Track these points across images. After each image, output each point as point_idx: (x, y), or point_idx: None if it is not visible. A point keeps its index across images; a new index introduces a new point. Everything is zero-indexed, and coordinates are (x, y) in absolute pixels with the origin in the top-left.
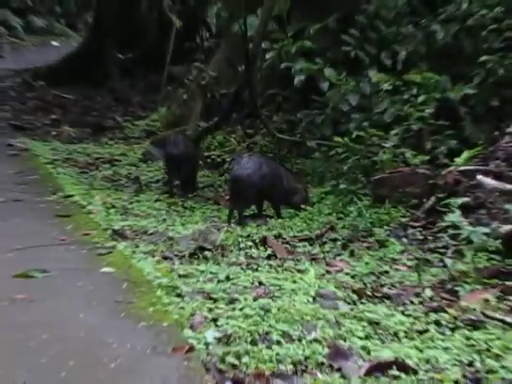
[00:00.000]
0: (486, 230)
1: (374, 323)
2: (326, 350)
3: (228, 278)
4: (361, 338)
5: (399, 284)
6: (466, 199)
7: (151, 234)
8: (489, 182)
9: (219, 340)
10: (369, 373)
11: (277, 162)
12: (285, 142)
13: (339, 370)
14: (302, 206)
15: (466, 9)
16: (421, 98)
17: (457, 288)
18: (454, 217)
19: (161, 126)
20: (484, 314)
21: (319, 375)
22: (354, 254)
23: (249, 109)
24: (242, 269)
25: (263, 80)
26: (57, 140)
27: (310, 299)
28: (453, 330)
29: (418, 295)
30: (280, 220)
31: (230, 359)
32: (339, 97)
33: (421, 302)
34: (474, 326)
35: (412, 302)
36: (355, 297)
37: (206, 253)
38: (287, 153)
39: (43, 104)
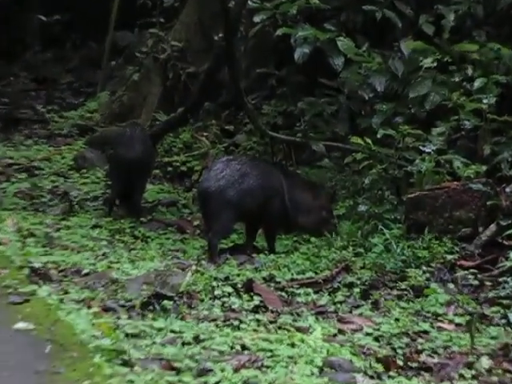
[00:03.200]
0: None
1: None
2: None
3: (197, 340)
4: None
5: (443, 350)
6: None
7: (86, 274)
8: None
9: None
10: None
11: (272, 165)
12: (280, 144)
13: None
14: (323, 231)
15: None
16: (477, 83)
17: None
18: None
19: (101, 118)
20: None
21: None
22: (378, 305)
23: (228, 95)
24: (218, 326)
25: (249, 54)
26: None
27: (316, 371)
28: None
29: (470, 366)
30: (273, 256)
31: None
32: (359, 79)
33: (474, 377)
34: None
35: (462, 376)
36: (380, 368)
37: (166, 302)
38: (283, 159)
39: None
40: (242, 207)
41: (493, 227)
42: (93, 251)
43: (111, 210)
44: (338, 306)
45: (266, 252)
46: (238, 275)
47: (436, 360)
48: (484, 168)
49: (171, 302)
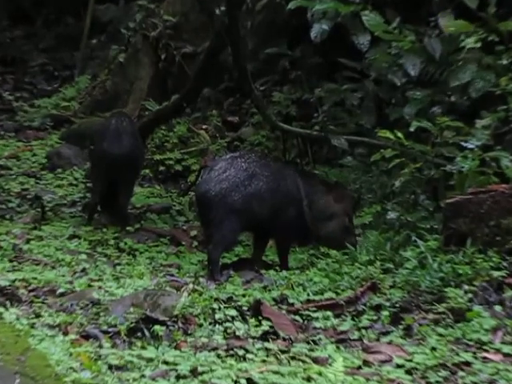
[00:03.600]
0: None
1: None
2: None
3: (195, 373)
4: None
5: None
6: None
7: (62, 294)
8: None
9: None
10: None
11: (286, 164)
12: (294, 139)
13: None
14: (345, 243)
15: None
16: None
17: None
18: None
19: (79, 108)
20: None
21: None
22: (411, 332)
23: (232, 80)
24: (219, 356)
25: (257, 31)
26: None
27: None
28: None
29: None
30: (285, 273)
31: None
32: (388, 61)
33: None
34: None
35: None
36: None
37: (157, 328)
38: (297, 155)
39: None
40: (248, 214)
41: None
42: (70, 267)
43: (92, 217)
44: (363, 332)
45: (277, 268)
46: (244, 296)
47: None
48: None
49: (163, 328)
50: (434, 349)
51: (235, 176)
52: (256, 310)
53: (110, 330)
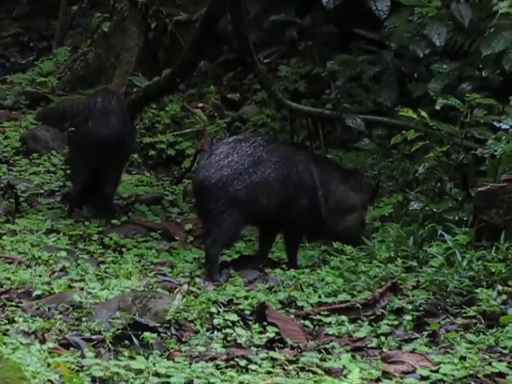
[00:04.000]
0: None
1: None
2: None
3: None
4: None
5: None
6: None
7: (39, 297)
8: None
9: None
10: None
11: (298, 148)
12: (303, 118)
13: None
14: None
15: None
16: None
17: None
18: None
19: (58, 84)
20: None
21: None
22: (437, 339)
23: (232, 52)
24: (218, 367)
25: None
26: None
27: None
28: None
29: None
30: (293, 271)
31: None
32: (410, 29)
33: None
34: None
35: None
36: None
37: (147, 335)
38: (307, 138)
39: None
40: (253, 206)
41: None
42: (47, 265)
43: (72, 209)
44: (383, 339)
45: (285, 266)
46: (246, 298)
47: None
48: None
49: (154, 335)
50: (463, 358)
51: (238, 162)
52: (260, 314)
53: (93, 337)
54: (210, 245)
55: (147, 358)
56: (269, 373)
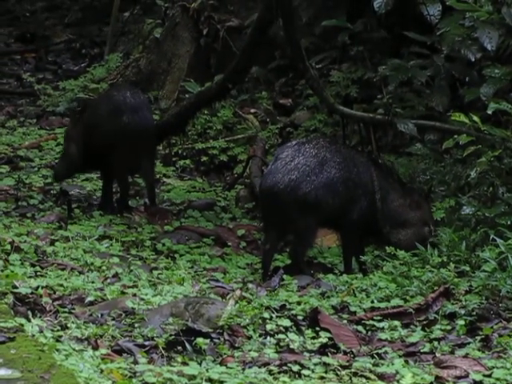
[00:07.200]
0: None
1: None
2: None
3: None
4: None
5: None
6: None
7: (91, 303)
8: None
9: None
10: None
11: (357, 151)
12: (355, 124)
13: None
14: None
15: None
16: None
17: None
18: None
19: None
20: None
21: None
22: (490, 343)
23: (284, 58)
24: (271, 373)
25: (312, 1)
26: None
27: None
28: None
29: None
30: (346, 277)
31: None
32: (462, 33)
33: None
34: None
35: None
36: None
37: (200, 341)
38: (359, 143)
39: None
40: (323, 207)
41: None
42: (100, 272)
43: (122, 210)
44: (436, 344)
45: (337, 271)
46: (299, 303)
47: None
48: None
49: (207, 341)
50: None
51: (305, 164)
52: (313, 319)
53: (146, 343)
54: (294, 254)
55: (200, 364)
56: (322, 378)
